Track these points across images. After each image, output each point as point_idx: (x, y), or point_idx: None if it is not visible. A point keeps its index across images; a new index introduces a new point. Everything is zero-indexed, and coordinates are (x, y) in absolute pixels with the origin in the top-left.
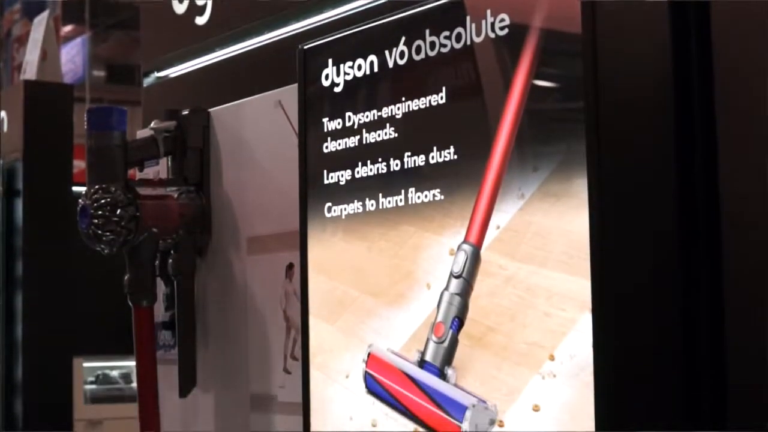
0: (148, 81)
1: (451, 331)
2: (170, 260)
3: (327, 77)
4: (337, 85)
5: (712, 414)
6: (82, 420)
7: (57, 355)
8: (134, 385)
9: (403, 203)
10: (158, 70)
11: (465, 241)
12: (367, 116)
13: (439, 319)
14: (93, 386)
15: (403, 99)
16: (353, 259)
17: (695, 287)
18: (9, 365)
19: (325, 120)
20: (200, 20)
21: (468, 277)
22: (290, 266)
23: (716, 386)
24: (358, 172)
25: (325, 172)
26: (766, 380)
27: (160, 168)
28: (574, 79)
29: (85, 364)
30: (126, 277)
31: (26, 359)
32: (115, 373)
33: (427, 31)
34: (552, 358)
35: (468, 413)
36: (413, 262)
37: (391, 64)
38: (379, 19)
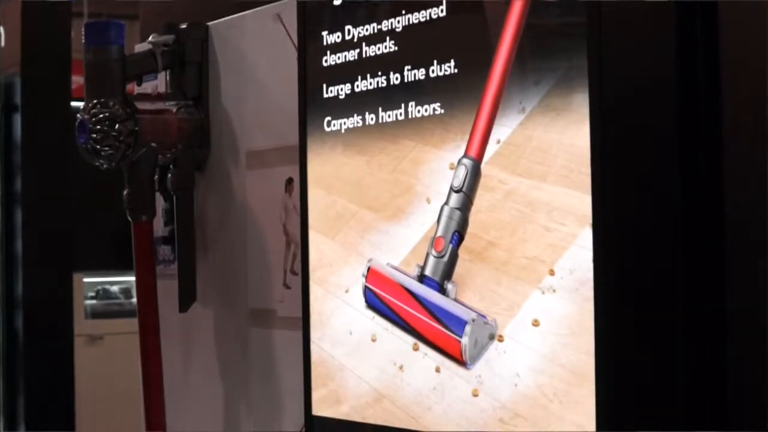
0: None
1: (450, 246)
2: (169, 175)
3: None
4: None
5: (711, 329)
6: (82, 335)
7: (57, 270)
8: (134, 300)
9: (402, 117)
10: None
11: (465, 156)
12: (366, 29)
13: (439, 233)
14: (93, 301)
15: (403, 12)
16: (353, 173)
17: (696, 200)
18: (9, 281)
19: (324, 33)
20: None
21: (468, 192)
22: (290, 181)
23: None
24: (357, 86)
25: (324, 86)
26: None
27: (159, 82)
28: None
29: (86, 280)
30: (125, 192)
31: (26, 275)
32: (115, 288)
33: None
34: (552, 272)
35: (468, 328)
36: (413, 176)
37: None
38: None
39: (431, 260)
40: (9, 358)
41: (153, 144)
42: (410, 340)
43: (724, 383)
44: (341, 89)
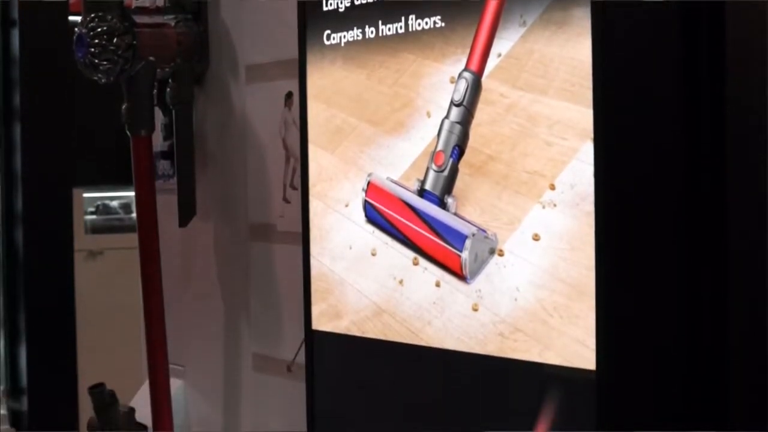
0: None
1: (451, 160)
2: (168, 89)
3: None
4: None
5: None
6: (82, 250)
7: (56, 186)
8: (134, 215)
9: (402, 30)
10: None
11: (466, 69)
12: None
13: (440, 147)
14: (93, 217)
15: None
16: (352, 87)
17: (700, 113)
18: (9, 197)
19: None
20: None
21: (468, 106)
22: (289, 95)
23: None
24: None
25: None
26: None
27: None
28: None
29: (85, 195)
30: (124, 107)
31: (26, 191)
32: (115, 204)
33: None
34: (552, 187)
35: (468, 242)
36: (413, 90)
37: None
38: None
39: (431, 174)
40: (9, 274)
41: (151, 58)
42: (410, 254)
43: (724, 292)
44: (341, 2)
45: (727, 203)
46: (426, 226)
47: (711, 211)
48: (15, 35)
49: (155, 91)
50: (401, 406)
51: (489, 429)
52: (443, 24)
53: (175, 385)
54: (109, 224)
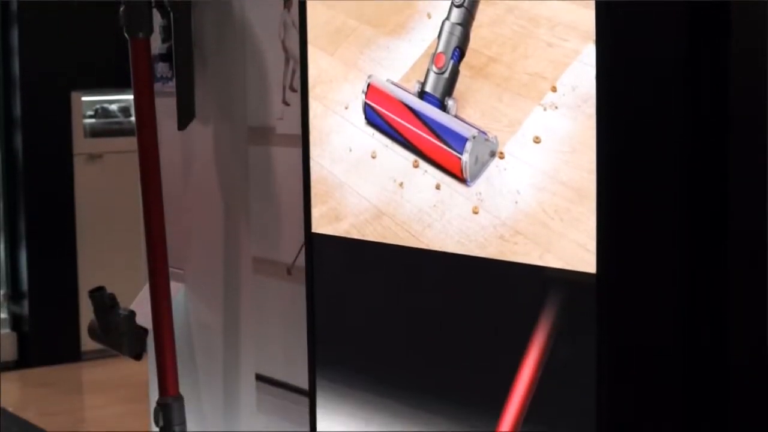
0: None
1: (451, 62)
2: None
3: None
4: None
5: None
6: (81, 154)
7: (55, 90)
8: (133, 118)
9: None
10: None
11: None
12: None
13: (440, 49)
14: (92, 120)
15: None
16: None
17: (704, 17)
18: (7, 101)
19: None
20: None
21: (469, 7)
22: None
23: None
24: None
25: None
26: None
27: None
28: None
29: (84, 98)
30: (121, 9)
31: (24, 95)
32: (114, 107)
33: None
34: (554, 89)
35: (468, 144)
36: None
37: None
38: None
39: (432, 76)
40: (9, 178)
41: None
42: (410, 156)
43: (725, 194)
44: None
45: (727, 97)
46: (426, 129)
47: (714, 110)
48: None
49: None
50: (401, 309)
51: (489, 332)
52: None
53: (175, 288)
54: (108, 128)
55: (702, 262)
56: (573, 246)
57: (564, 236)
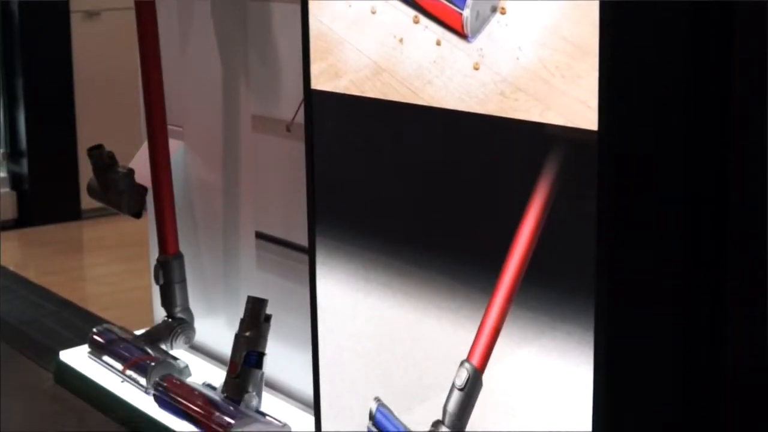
0: None
1: None
2: None
3: None
4: None
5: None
6: (79, 11)
7: None
8: None
9: None
10: None
11: None
12: None
13: None
14: None
15: None
16: None
17: None
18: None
19: None
20: None
21: None
22: None
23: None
24: None
25: None
26: None
27: None
28: None
29: None
30: None
31: None
32: None
33: None
34: None
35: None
36: None
37: None
38: None
39: None
40: (5, 37)
41: None
42: (411, 12)
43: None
44: None
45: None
46: None
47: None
48: None
49: None
50: (401, 166)
51: (489, 189)
52: None
53: (174, 146)
54: None
55: (705, 130)
56: (574, 103)
57: (565, 93)
